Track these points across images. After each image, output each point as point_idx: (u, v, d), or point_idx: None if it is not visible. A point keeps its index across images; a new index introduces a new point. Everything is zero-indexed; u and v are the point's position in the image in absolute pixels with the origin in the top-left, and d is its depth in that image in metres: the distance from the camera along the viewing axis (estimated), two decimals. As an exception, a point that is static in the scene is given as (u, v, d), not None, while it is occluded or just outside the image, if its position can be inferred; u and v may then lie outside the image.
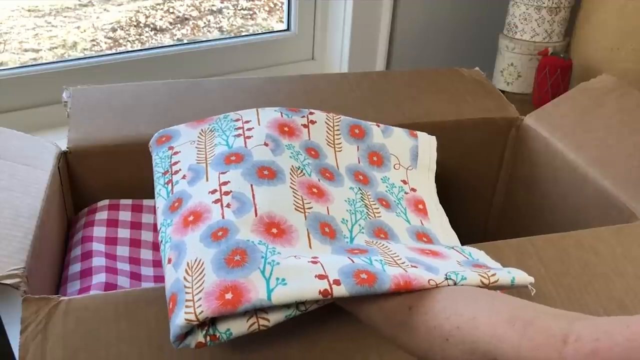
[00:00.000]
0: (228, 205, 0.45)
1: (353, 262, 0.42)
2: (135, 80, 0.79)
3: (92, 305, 0.46)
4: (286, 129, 0.56)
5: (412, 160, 0.63)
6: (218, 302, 0.37)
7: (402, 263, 0.43)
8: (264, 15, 1.29)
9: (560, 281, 0.50)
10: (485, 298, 0.37)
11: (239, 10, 1.28)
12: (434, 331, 0.37)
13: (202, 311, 0.37)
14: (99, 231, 0.64)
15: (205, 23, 1.24)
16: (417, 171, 0.62)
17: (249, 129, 0.55)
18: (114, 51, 1.11)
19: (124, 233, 0.65)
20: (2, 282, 0.45)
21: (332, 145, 0.59)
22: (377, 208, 0.54)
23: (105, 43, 1.14)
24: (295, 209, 0.47)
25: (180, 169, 0.51)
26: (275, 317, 0.39)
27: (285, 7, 1.18)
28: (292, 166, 0.51)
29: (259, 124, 0.55)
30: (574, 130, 0.70)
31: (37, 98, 0.96)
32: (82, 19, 1.14)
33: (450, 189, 0.62)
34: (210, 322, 0.39)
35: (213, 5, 1.25)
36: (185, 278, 0.40)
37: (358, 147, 0.60)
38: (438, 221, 0.59)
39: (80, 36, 1.12)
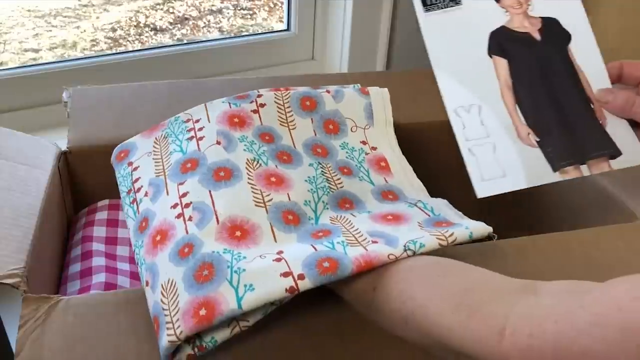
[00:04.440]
0: (190, 218, 0.47)
1: (316, 250, 0.44)
2: (135, 80, 0.79)
3: (91, 302, 0.46)
4: (236, 120, 0.56)
5: (368, 118, 0.63)
6: (194, 319, 0.40)
7: (364, 240, 0.45)
8: (264, 15, 1.29)
9: (563, 272, 0.50)
10: (438, 279, 0.39)
11: (239, 10, 1.28)
12: (395, 313, 0.39)
13: (181, 331, 0.40)
14: (99, 231, 0.64)
15: (205, 23, 1.24)
16: (374, 129, 0.63)
17: (200, 129, 0.56)
18: (114, 51, 1.11)
19: (124, 233, 0.65)
20: (2, 281, 0.45)
21: (286, 124, 0.59)
22: (339, 178, 0.55)
23: (105, 43, 1.14)
24: (256, 205, 0.49)
25: (142, 186, 0.53)
26: (253, 318, 0.42)
27: (285, 7, 1.18)
28: (247, 159, 0.52)
29: (209, 121, 0.56)
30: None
31: (37, 98, 0.96)
32: (82, 19, 1.14)
33: (451, 188, 0.62)
34: (195, 335, 0.41)
35: (213, 5, 1.25)
36: (162, 300, 0.43)
37: (312, 119, 0.60)
38: (402, 175, 0.59)
39: (80, 36, 1.12)
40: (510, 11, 0.49)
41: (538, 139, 0.45)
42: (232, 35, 1.24)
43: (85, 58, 1.02)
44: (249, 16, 1.29)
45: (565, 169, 0.44)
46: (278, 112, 0.59)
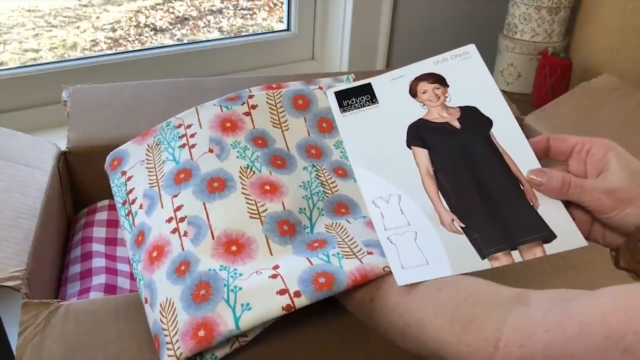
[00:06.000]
0: (185, 234, 0.47)
1: (312, 264, 0.44)
2: (135, 80, 0.79)
3: (91, 307, 0.46)
4: (228, 124, 0.56)
5: None
6: (193, 341, 0.41)
7: (359, 251, 0.45)
8: (264, 15, 1.29)
9: (566, 275, 0.50)
10: (432, 291, 0.40)
11: (239, 10, 1.28)
12: (392, 325, 0.40)
13: (181, 352, 0.41)
14: (99, 232, 0.64)
15: (205, 23, 1.24)
16: None
17: (192, 135, 0.55)
18: (114, 51, 1.11)
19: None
20: (3, 284, 0.45)
21: (279, 126, 0.58)
22: (334, 181, 0.55)
23: (105, 43, 1.13)
24: (250, 216, 0.48)
25: (136, 197, 0.53)
26: (252, 333, 0.43)
27: (285, 7, 1.18)
28: (241, 167, 0.52)
29: (201, 127, 0.56)
30: (575, 130, 0.70)
31: (37, 98, 0.96)
32: (82, 19, 1.14)
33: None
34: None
35: (213, 5, 1.25)
36: (161, 320, 0.43)
37: (305, 118, 0.60)
38: None
39: (80, 36, 1.12)
40: (428, 104, 0.49)
41: (463, 225, 0.43)
42: (232, 35, 1.24)
43: (85, 58, 1.02)
44: (249, 16, 1.28)
45: (495, 256, 0.41)
46: (270, 113, 0.59)
